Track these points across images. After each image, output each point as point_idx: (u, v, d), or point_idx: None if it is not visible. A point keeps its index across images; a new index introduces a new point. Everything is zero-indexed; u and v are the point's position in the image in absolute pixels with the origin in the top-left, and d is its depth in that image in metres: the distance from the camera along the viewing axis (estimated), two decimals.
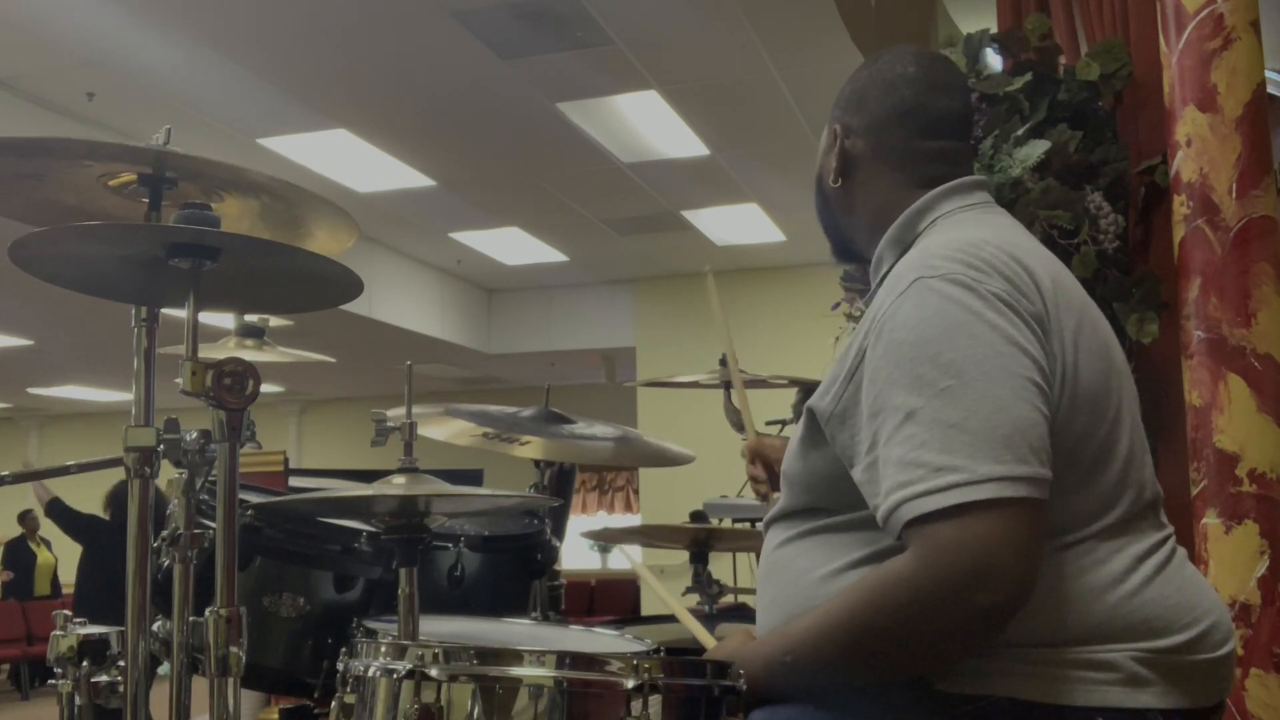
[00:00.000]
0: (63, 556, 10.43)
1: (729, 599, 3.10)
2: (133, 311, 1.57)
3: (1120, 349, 1.29)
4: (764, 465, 1.84)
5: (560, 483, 2.45)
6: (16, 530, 10.73)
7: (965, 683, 1.12)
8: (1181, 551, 1.24)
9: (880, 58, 1.40)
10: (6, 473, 1.70)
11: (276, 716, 2.75)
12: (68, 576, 10.30)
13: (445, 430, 2.18)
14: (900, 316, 1.15)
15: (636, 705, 1.13)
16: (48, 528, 10.35)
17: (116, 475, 1.60)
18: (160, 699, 1.47)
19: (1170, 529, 1.25)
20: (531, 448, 2.15)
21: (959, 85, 1.39)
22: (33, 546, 10.63)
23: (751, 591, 3.23)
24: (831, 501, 1.23)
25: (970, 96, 1.63)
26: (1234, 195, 1.85)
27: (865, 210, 1.38)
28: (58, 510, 6.04)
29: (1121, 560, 1.15)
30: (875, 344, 1.16)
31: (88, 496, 5.85)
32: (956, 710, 1.12)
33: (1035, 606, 1.10)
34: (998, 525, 1.05)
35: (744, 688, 1.19)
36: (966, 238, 1.21)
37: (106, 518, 5.95)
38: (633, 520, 11.98)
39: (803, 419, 1.26)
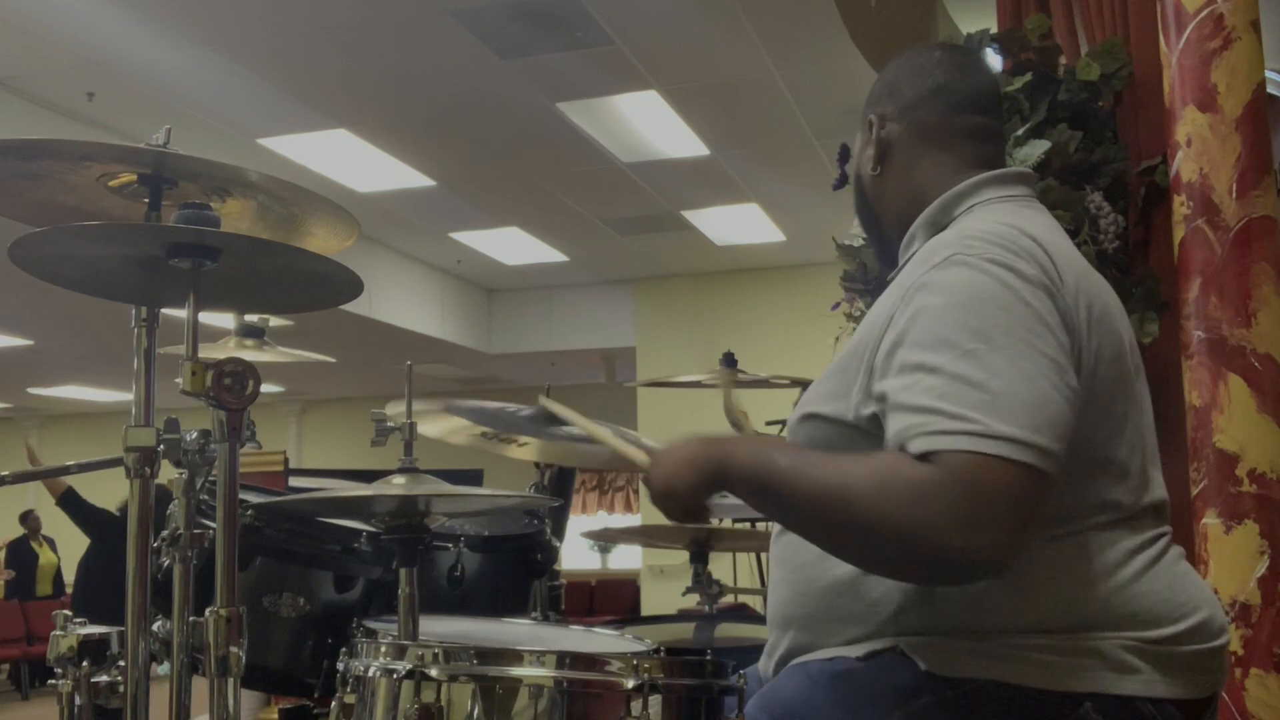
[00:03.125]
0: (66, 557, 10.42)
1: (729, 599, 3.10)
2: (133, 311, 1.57)
3: (1138, 353, 1.29)
4: None
5: (560, 483, 2.45)
6: (16, 531, 10.70)
7: (953, 665, 1.13)
8: (1176, 549, 1.24)
9: (905, 52, 1.43)
10: (6, 473, 1.70)
11: (276, 716, 2.75)
12: (71, 576, 10.32)
13: (444, 427, 2.17)
14: (932, 286, 1.14)
15: (636, 705, 1.13)
16: (52, 526, 10.36)
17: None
18: (160, 699, 1.47)
19: (1168, 528, 1.25)
20: (529, 450, 2.15)
21: (986, 67, 1.44)
22: (34, 546, 10.58)
23: (752, 591, 3.23)
24: None
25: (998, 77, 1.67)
26: (1234, 195, 1.85)
27: (904, 192, 1.37)
28: (72, 500, 5.99)
29: (1114, 554, 1.16)
30: (903, 310, 1.15)
31: (93, 498, 5.85)
32: (944, 693, 1.12)
33: (1026, 594, 1.11)
34: (1002, 481, 1.02)
35: (744, 686, 1.19)
36: (1003, 226, 1.22)
37: (118, 514, 5.91)
38: (633, 520, 11.97)
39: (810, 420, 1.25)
